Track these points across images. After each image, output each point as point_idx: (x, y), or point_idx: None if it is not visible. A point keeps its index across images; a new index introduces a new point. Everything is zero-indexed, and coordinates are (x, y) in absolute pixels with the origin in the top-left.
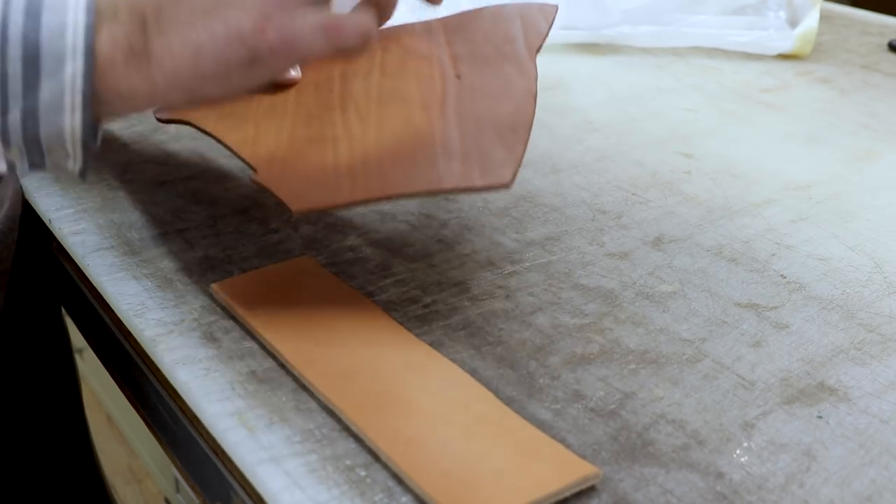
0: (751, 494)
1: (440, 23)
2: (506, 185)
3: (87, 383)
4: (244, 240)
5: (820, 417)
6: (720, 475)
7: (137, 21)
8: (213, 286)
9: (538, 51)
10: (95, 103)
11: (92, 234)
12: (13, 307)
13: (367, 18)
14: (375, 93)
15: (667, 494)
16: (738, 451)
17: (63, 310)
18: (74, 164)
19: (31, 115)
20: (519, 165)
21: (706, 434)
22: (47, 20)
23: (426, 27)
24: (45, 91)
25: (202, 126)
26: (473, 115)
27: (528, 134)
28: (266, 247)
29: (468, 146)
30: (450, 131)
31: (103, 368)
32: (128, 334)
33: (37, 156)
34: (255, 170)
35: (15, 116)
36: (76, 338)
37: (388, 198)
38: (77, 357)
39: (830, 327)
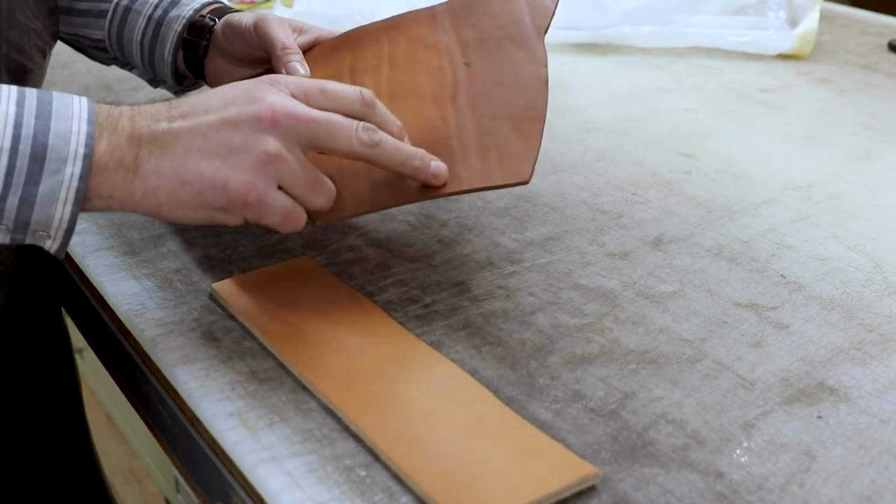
0: (751, 494)
1: (445, 7)
2: (525, 182)
3: (87, 383)
4: (244, 240)
5: (820, 417)
6: (720, 475)
7: (134, 139)
8: (213, 286)
9: (546, 31)
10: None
11: (92, 234)
12: (13, 307)
13: (300, 214)
14: (386, 88)
15: (667, 494)
16: (738, 451)
17: (63, 310)
18: (53, 244)
19: (27, 203)
20: (536, 158)
21: (706, 434)
22: (56, 126)
23: (431, 13)
24: (45, 185)
25: None
26: (487, 106)
27: (543, 124)
28: (266, 247)
29: (485, 140)
30: (464, 125)
31: (103, 368)
32: (128, 334)
33: (20, 234)
34: None
35: (12, 202)
36: (76, 338)
37: (409, 202)
38: (77, 357)
39: (830, 327)
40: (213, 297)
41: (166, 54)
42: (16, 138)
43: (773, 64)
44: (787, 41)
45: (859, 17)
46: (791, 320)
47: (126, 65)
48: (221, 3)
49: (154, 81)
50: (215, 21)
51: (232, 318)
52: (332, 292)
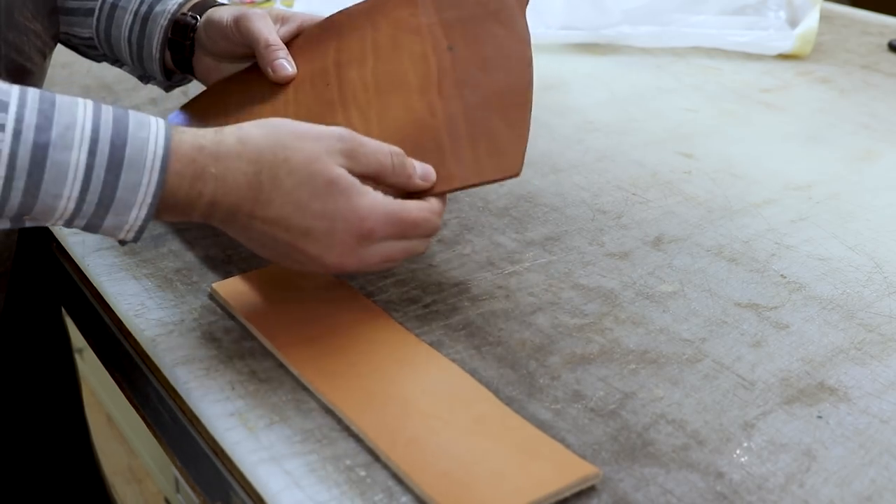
0: (751, 494)
1: None
2: (516, 175)
3: (87, 383)
4: None
5: (820, 417)
6: (720, 475)
7: (207, 216)
8: (213, 286)
9: (527, 2)
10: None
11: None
12: (13, 307)
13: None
14: (372, 81)
15: (667, 494)
16: (738, 451)
17: (63, 310)
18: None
19: (93, 227)
20: (525, 148)
21: (706, 434)
22: (126, 178)
23: None
24: (110, 221)
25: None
26: (473, 94)
27: (530, 109)
28: None
29: (473, 131)
30: (452, 116)
31: (103, 368)
32: (128, 334)
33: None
34: None
35: (80, 224)
36: (76, 338)
37: None
38: (77, 357)
39: (830, 327)
40: (213, 297)
41: (154, 51)
42: (84, 189)
43: (773, 64)
44: (787, 41)
45: (859, 17)
46: (791, 320)
47: (116, 62)
48: None
49: (144, 78)
50: (197, 19)
51: (232, 318)
52: (332, 292)
